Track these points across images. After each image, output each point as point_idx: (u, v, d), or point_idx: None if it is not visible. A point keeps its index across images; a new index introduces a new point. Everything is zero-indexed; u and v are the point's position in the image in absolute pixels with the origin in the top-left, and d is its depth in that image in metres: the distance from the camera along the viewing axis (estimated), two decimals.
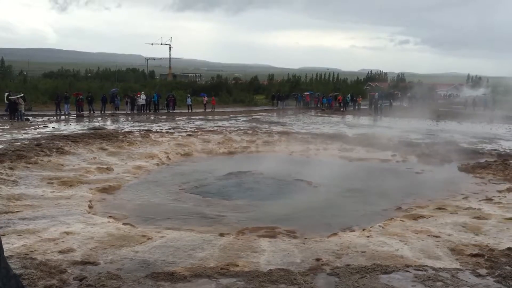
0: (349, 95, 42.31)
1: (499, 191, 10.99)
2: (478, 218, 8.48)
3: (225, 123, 24.94)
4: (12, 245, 6.27)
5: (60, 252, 6.07)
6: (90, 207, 9.12)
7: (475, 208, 9.26)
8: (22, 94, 25.25)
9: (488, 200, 10.11)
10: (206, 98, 35.71)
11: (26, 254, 5.88)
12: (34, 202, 8.88)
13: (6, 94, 25.45)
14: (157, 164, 14.41)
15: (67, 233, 6.98)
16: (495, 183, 12.04)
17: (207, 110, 33.96)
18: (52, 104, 31.12)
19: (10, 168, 11.23)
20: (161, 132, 19.73)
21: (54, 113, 27.73)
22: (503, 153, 16.27)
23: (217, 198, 10.51)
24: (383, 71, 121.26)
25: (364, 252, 6.49)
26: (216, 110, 34.45)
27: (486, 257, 6.23)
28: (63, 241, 6.56)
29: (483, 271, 5.73)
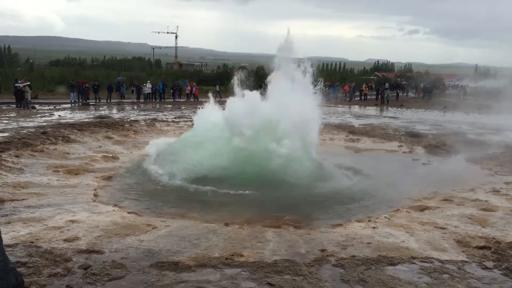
0: (363, 85, 41.99)
1: (507, 183, 10.87)
2: (485, 210, 8.41)
3: None
4: (17, 233, 6.29)
5: (65, 240, 6.08)
6: (95, 195, 9.12)
7: (482, 200, 9.18)
8: (29, 82, 25.30)
9: (496, 191, 10.01)
10: (189, 87, 35.28)
11: (31, 242, 5.89)
12: (39, 190, 8.90)
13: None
14: None
15: (72, 221, 6.99)
16: (503, 175, 11.91)
17: (191, 100, 33.60)
18: (59, 92, 31.21)
19: (16, 156, 11.26)
20: (166, 121, 19.71)
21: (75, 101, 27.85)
22: (511, 144, 16.10)
23: (223, 186, 10.41)
24: (390, 61, 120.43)
25: (370, 243, 6.45)
26: (219, 99, 34.29)
27: (493, 250, 6.18)
28: (68, 230, 6.57)
29: (489, 264, 5.68)
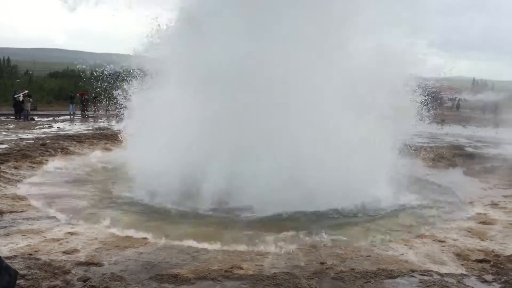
0: None
1: (505, 196, 10.89)
2: (483, 223, 8.42)
3: None
4: (16, 245, 6.27)
5: (64, 252, 6.07)
6: (95, 207, 9.10)
7: (480, 213, 9.20)
8: (27, 91, 25.36)
9: (494, 205, 10.02)
10: None
11: (30, 254, 5.88)
12: None
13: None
14: None
15: (71, 233, 6.98)
16: (501, 188, 11.94)
17: None
18: (58, 104, 31.26)
19: (15, 168, 11.27)
20: None
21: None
22: (509, 157, 16.15)
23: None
24: None
25: (369, 256, 6.44)
26: None
27: (492, 263, 6.18)
28: (67, 242, 6.56)
29: (489, 277, 5.67)
